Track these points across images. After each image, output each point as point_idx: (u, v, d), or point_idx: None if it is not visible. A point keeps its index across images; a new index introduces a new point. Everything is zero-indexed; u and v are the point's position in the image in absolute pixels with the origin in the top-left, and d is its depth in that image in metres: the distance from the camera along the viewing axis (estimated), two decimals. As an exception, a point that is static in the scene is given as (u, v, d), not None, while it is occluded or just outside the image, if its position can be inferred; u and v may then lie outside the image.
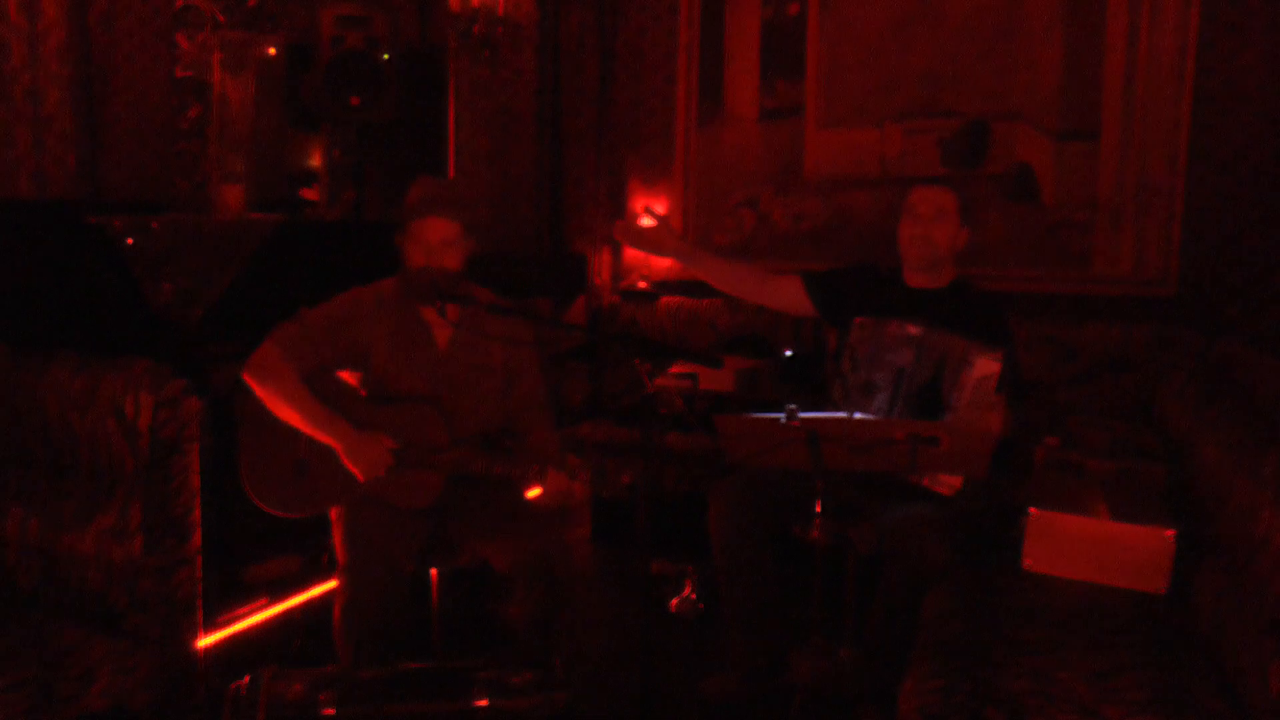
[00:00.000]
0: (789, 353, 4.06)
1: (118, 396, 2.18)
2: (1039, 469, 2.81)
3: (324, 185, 4.79)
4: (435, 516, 2.45)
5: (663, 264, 4.95)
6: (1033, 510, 2.34)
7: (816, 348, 3.97)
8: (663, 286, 4.82)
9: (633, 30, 4.91)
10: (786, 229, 4.70)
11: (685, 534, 3.14)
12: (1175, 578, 2.22)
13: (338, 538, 2.41)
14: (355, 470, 2.35)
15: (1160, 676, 1.83)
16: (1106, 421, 3.20)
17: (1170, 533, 2.21)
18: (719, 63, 4.77)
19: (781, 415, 2.07)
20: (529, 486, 2.45)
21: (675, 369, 3.86)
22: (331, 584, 2.89)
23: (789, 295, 2.82)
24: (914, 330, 2.51)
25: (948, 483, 2.45)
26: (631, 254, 5.06)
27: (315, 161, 4.86)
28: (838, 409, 2.51)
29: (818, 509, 2.14)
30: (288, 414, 2.34)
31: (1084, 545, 2.29)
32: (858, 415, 2.18)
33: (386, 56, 4.08)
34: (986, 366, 2.39)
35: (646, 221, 2.80)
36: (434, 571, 2.51)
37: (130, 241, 2.98)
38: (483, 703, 1.93)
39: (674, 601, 3.28)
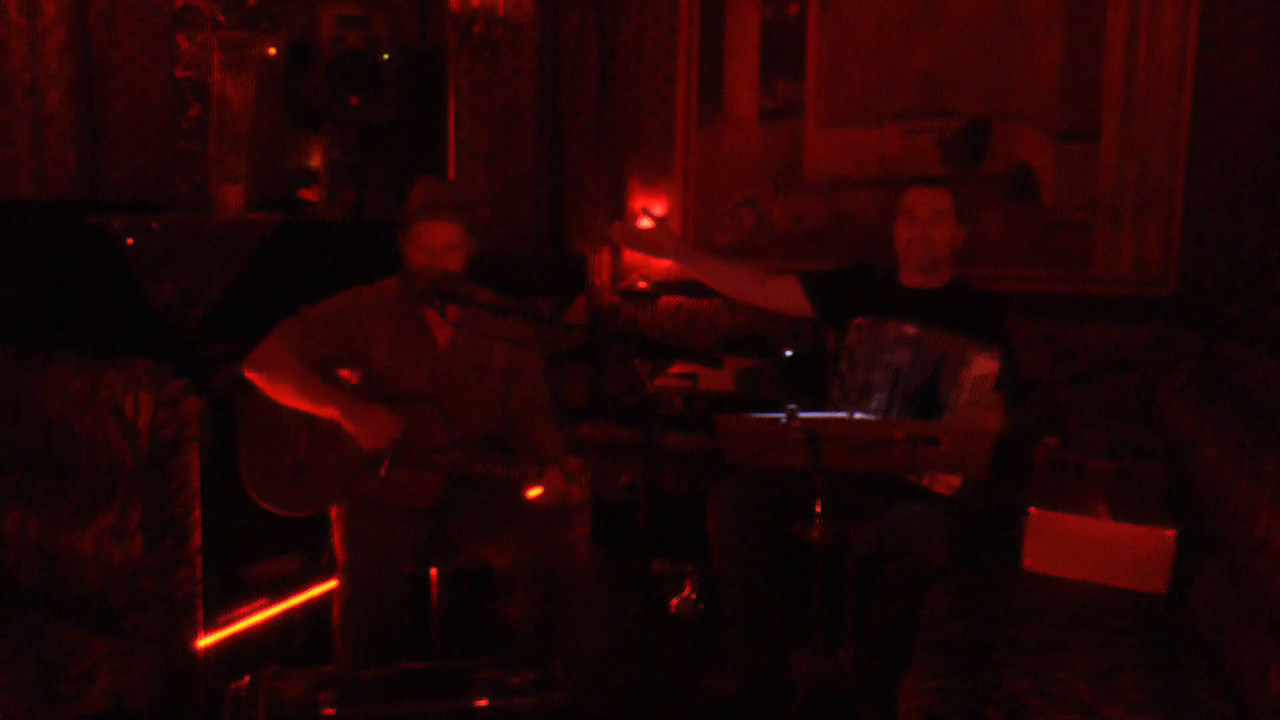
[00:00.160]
0: (789, 353, 4.06)
1: (118, 396, 2.18)
2: (1039, 469, 2.81)
3: (324, 185, 4.79)
4: (435, 517, 2.45)
5: (663, 264, 4.95)
6: (1033, 510, 2.34)
7: (816, 348, 3.97)
8: (663, 286, 4.82)
9: (633, 30, 4.91)
10: (786, 229, 4.70)
11: (685, 534, 3.14)
12: (1175, 578, 2.22)
13: (337, 537, 2.41)
14: (361, 438, 2.32)
15: (1160, 676, 1.83)
16: (1106, 421, 3.19)
17: (1170, 533, 2.21)
18: (719, 63, 4.77)
19: (781, 415, 2.07)
20: (528, 487, 2.45)
21: (675, 369, 3.86)
22: (331, 584, 2.89)
23: (787, 296, 2.82)
24: (911, 330, 2.52)
25: (947, 482, 2.46)
26: (631, 254, 5.05)
27: (315, 161, 4.86)
28: (837, 410, 2.51)
29: (818, 509, 2.14)
30: (289, 393, 2.32)
31: (1084, 545, 2.29)
32: (858, 415, 2.19)
33: (386, 56, 4.08)
34: (984, 366, 2.39)
35: (645, 223, 2.80)
36: (434, 571, 2.51)
37: (130, 241, 2.98)
38: (483, 703, 1.93)
39: (674, 601, 3.28)
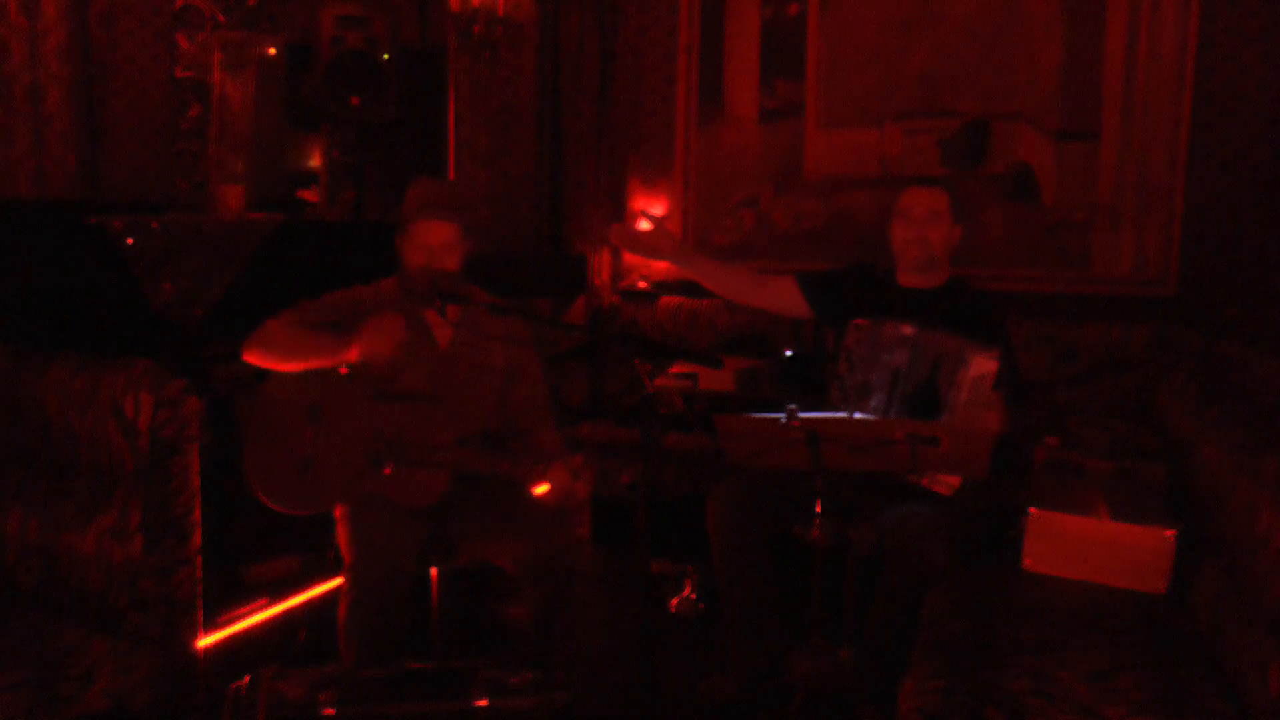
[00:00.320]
0: (789, 353, 4.06)
1: (118, 396, 2.18)
2: (1039, 469, 2.81)
3: (324, 185, 4.79)
4: (439, 516, 2.45)
5: (662, 264, 4.94)
6: (1033, 510, 2.34)
7: (816, 348, 3.97)
8: (663, 286, 4.82)
9: (633, 30, 4.91)
10: (786, 229, 4.70)
11: (685, 534, 3.14)
12: (1175, 578, 2.22)
13: (342, 536, 2.41)
14: (377, 349, 2.29)
15: (1160, 676, 1.83)
16: (1106, 421, 3.20)
17: (1170, 533, 2.21)
18: (719, 63, 4.77)
19: (781, 415, 2.07)
20: (533, 484, 2.46)
21: (675, 369, 3.86)
22: (332, 583, 2.90)
23: (784, 297, 2.83)
24: (909, 331, 2.52)
25: (947, 482, 2.46)
26: (631, 254, 5.05)
27: (315, 161, 4.86)
28: (837, 410, 2.51)
29: (818, 509, 2.14)
30: (291, 350, 2.31)
31: (1084, 545, 2.29)
32: (858, 415, 2.19)
33: (386, 56, 4.09)
34: (983, 365, 2.39)
35: (644, 225, 2.80)
36: (434, 571, 2.51)
37: (130, 241, 2.98)
38: (483, 703, 1.93)
39: (674, 601, 3.28)
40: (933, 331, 2.49)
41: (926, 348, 2.49)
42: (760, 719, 2.58)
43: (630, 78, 4.93)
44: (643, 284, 4.88)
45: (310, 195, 4.84)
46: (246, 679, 1.94)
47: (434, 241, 2.39)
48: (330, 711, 1.88)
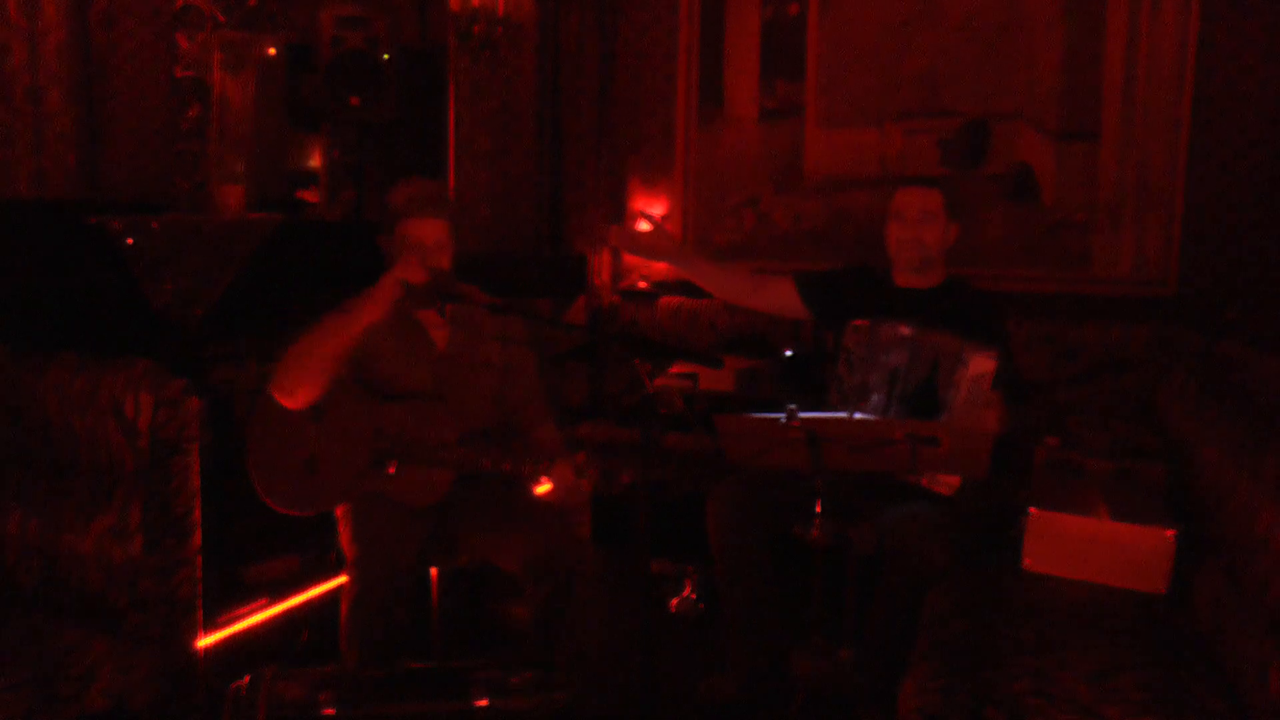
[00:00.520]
0: (789, 353, 4.06)
1: (118, 396, 2.18)
2: (1039, 469, 2.81)
3: (324, 185, 4.79)
4: (441, 515, 2.45)
5: (662, 264, 4.94)
6: (1033, 510, 2.34)
7: (816, 348, 3.97)
8: (663, 286, 4.82)
9: (633, 30, 4.91)
10: (787, 229, 4.70)
11: (685, 534, 3.14)
12: (1175, 578, 2.22)
13: (345, 535, 2.41)
14: (378, 303, 2.27)
15: (1160, 676, 1.83)
16: (1106, 421, 3.20)
17: (1170, 533, 2.21)
18: (719, 63, 4.77)
19: (781, 415, 2.07)
20: (536, 483, 2.46)
21: (675, 369, 3.86)
22: (332, 583, 2.90)
23: (782, 298, 2.83)
24: (907, 331, 2.52)
25: (947, 482, 2.46)
26: (631, 255, 5.05)
27: (315, 161, 4.86)
28: (836, 412, 2.51)
29: (818, 509, 2.14)
30: (313, 357, 2.27)
31: (1084, 545, 2.29)
32: (858, 415, 2.19)
33: (386, 56, 4.08)
34: (981, 365, 2.39)
35: (643, 226, 2.81)
36: (434, 571, 2.51)
37: (130, 241, 2.98)
38: (483, 703, 1.93)
39: (674, 601, 3.28)
40: (931, 331, 2.49)
41: (924, 348, 2.49)
42: (760, 719, 2.58)
43: (630, 78, 4.93)
44: (643, 284, 4.88)
45: (310, 195, 4.84)
46: (246, 679, 1.94)
47: (427, 239, 2.38)
48: (330, 711, 1.88)
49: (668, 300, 4.66)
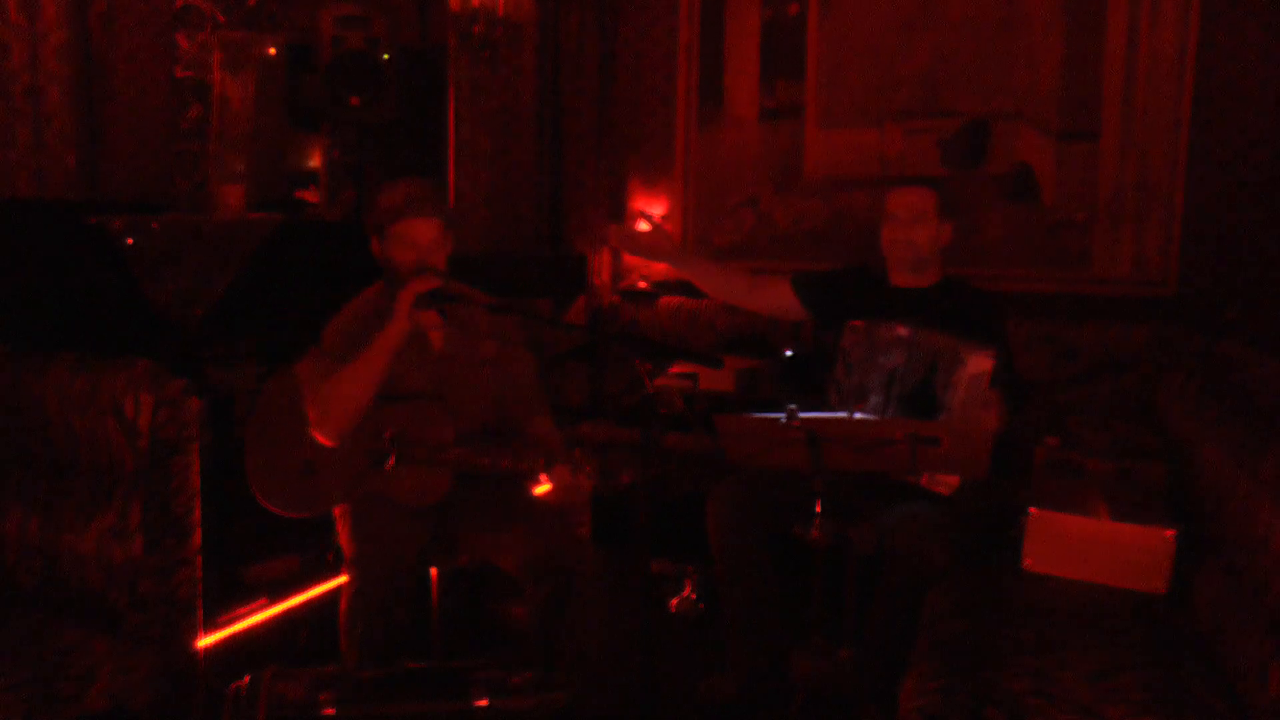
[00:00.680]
0: (789, 353, 4.06)
1: (118, 396, 2.18)
2: (1039, 469, 2.81)
3: (324, 185, 4.79)
4: (439, 513, 2.45)
5: (662, 264, 4.95)
6: (1033, 510, 2.34)
7: (817, 348, 3.96)
8: (663, 286, 4.82)
9: (633, 30, 4.91)
10: (787, 229, 4.70)
11: (685, 534, 3.14)
12: (1175, 578, 2.22)
13: (344, 533, 2.41)
14: (402, 316, 2.28)
15: (1160, 676, 1.83)
16: (1106, 421, 3.19)
17: (1170, 533, 2.21)
18: (719, 63, 4.77)
19: (781, 415, 2.07)
20: (536, 480, 2.46)
21: (675, 369, 3.86)
22: (333, 583, 2.90)
23: (779, 298, 2.83)
24: (903, 332, 2.52)
25: (946, 482, 2.45)
26: (630, 255, 5.05)
27: (315, 161, 4.86)
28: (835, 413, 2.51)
29: (818, 509, 2.14)
30: (358, 391, 2.28)
31: (1084, 545, 2.29)
32: (858, 415, 2.18)
33: (386, 56, 4.08)
34: (979, 364, 2.39)
35: (642, 226, 2.82)
36: (434, 571, 2.51)
37: (130, 241, 2.98)
38: (483, 703, 1.93)
39: (674, 601, 3.28)
40: (928, 331, 2.49)
41: (922, 348, 2.49)
42: (760, 719, 2.58)
43: (630, 78, 4.93)
44: (643, 284, 4.88)
45: (310, 196, 4.84)
46: (246, 679, 1.94)
47: (423, 239, 2.37)
48: (330, 711, 1.88)
49: (668, 300, 4.66)
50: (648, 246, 2.83)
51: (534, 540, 2.36)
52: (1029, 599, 2.22)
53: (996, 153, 4.28)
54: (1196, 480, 2.41)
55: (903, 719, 1.85)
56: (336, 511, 2.47)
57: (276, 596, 2.86)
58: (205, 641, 2.35)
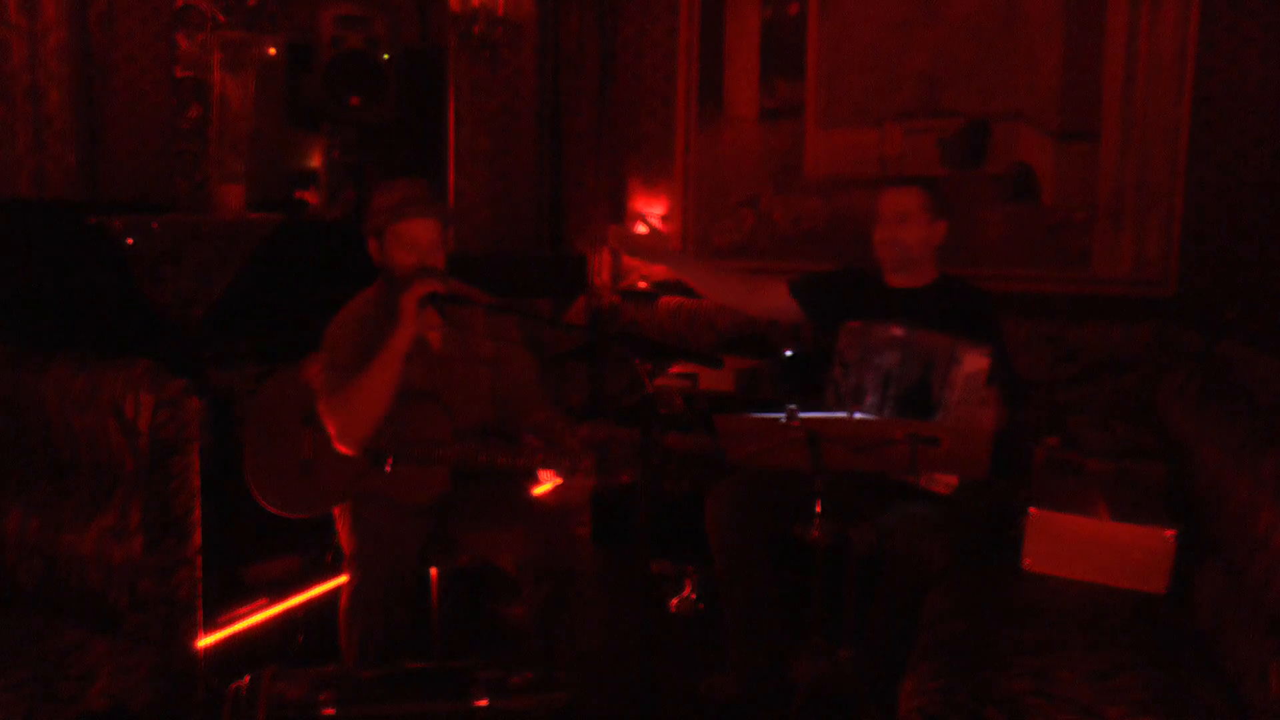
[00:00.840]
0: (789, 353, 4.06)
1: (118, 396, 2.18)
2: (1039, 469, 2.81)
3: (324, 185, 4.79)
4: (439, 513, 2.45)
5: (661, 265, 4.95)
6: (1033, 510, 2.34)
7: (816, 348, 3.97)
8: (663, 286, 4.82)
9: (633, 30, 4.91)
10: (786, 229, 4.70)
11: (685, 534, 3.14)
12: (1175, 578, 2.22)
13: (343, 531, 2.41)
14: (409, 321, 2.29)
15: (1160, 676, 1.83)
16: (1106, 421, 3.19)
17: (1170, 533, 2.21)
18: (719, 63, 4.77)
19: (781, 415, 2.07)
20: (534, 480, 2.46)
21: (675, 369, 3.86)
22: (332, 583, 2.90)
23: (776, 301, 2.84)
24: (898, 332, 2.52)
25: (944, 481, 2.45)
26: (629, 256, 5.05)
27: (315, 161, 4.86)
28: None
29: (818, 509, 2.14)
30: (374, 400, 2.28)
31: (1084, 545, 2.29)
32: (858, 415, 2.18)
33: (386, 56, 4.08)
34: (975, 362, 2.39)
35: (640, 228, 2.84)
36: (434, 571, 2.51)
37: (130, 241, 2.98)
38: (483, 703, 1.93)
39: (674, 601, 3.28)
40: (923, 331, 2.50)
41: (917, 348, 2.49)
42: (760, 719, 2.58)
43: (630, 78, 4.93)
44: (643, 284, 4.88)
45: (310, 196, 4.83)
46: (246, 679, 1.94)
47: (422, 239, 2.38)
48: (330, 711, 1.88)
49: (668, 300, 4.66)
50: (646, 249, 2.84)
51: (534, 540, 2.36)
52: (1029, 599, 2.22)
53: (996, 153, 4.28)
54: (1196, 480, 2.41)
55: (903, 719, 1.85)
56: (336, 510, 2.47)
57: (276, 596, 2.86)
58: (205, 641, 2.35)
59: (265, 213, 3.98)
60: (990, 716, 1.72)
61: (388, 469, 2.34)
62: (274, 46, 4.47)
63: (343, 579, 2.37)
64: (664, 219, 4.94)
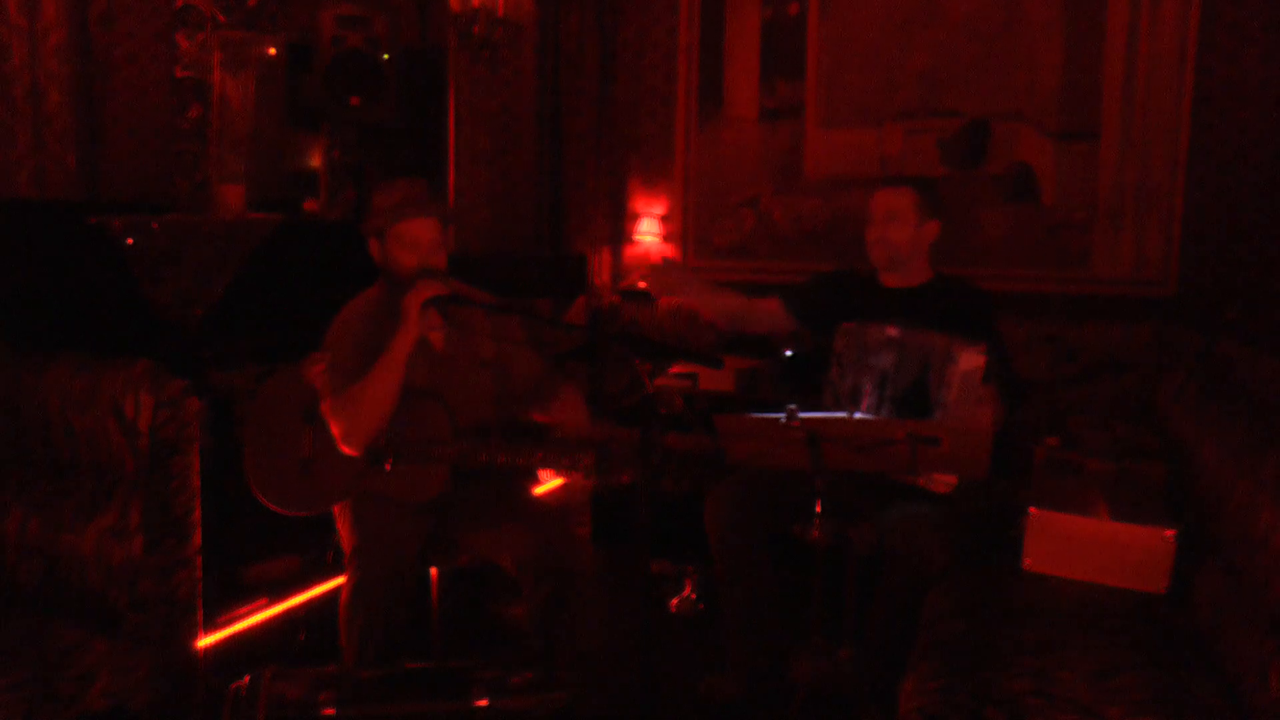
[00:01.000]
0: (789, 353, 4.06)
1: (118, 396, 2.18)
2: (1039, 469, 2.81)
3: (324, 185, 4.79)
4: (439, 512, 2.45)
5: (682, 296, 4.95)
6: (1033, 510, 2.34)
7: (816, 348, 3.97)
8: (663, 286, 4.81)
9: (633, 30, 4.91)
10: (786, 229, 4.70)
11: (685, 534, 3.14)
12: (1175, 578, 2.22)
13: (343, 529, 2.41)
14: (412, 324, 2.29)
15: (1160, 676, 1.83)
16: (1106, 421, 3.19)
17: (1170, 533, 2.21)
18: (719, 63, 4.77)
19: (781, 415, 2.07)
20: (535, 479, 2.46)
21: (675, 369, 3.86)
22: (332, 583, 2.90)
23: (772, 317, 2.86)
24: (893, 332, 2.52)
25: (943, 480, 2.46)
26: (632, 254, 5.06)
27: (315, 161, 4.86)
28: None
29: (818, 509, 2.14)
30: (379, 401, 2.28)
31: (1084, 545, 2.29)
32: (858, 415, 2.19)
33: (386, 56, 4.08)
34: (971, 360, 2.39)
35: (663, 266, 2.91)
36: (434, 571, 2.51)
37: (130, 241, 2.98)
38: (483, 703, 1.93)
39: (674, 601, 3.28)
40: (918, 331, 2.50)
41: (912, 347, 2.49)
42: (760, 719, 2.58)
43: (630, 78, 4.93)
44: (643, 284, 4.88)
45: (312, 205, 4.83)
46: (246, 679, 1.94)
47: (423, 238, 2.38)
48: (330, 711, 1.88)
49: (668, 300, 4.66)
50: (676, 283, 2.91)
51: (534, 540, 2.36)
52: (1029, 599, 2.22)
53: (996, 153, 4.28)
54: (1196, 480, 2.41)
55: (903, 719, 1.85)
56: (336, 509, 2.47)
57: (276, 596, 2.86)
58: (205, 641, 2.35)
59: (265, 213, 3.98)
60: (990, 716, 1.72)
61: (388, 468, 2.34)
62: (274, 46, 4.47)
63: (343, 579, 2.37)
64: (664, 219, 4.94)
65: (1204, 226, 4.00)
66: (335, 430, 2.30)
